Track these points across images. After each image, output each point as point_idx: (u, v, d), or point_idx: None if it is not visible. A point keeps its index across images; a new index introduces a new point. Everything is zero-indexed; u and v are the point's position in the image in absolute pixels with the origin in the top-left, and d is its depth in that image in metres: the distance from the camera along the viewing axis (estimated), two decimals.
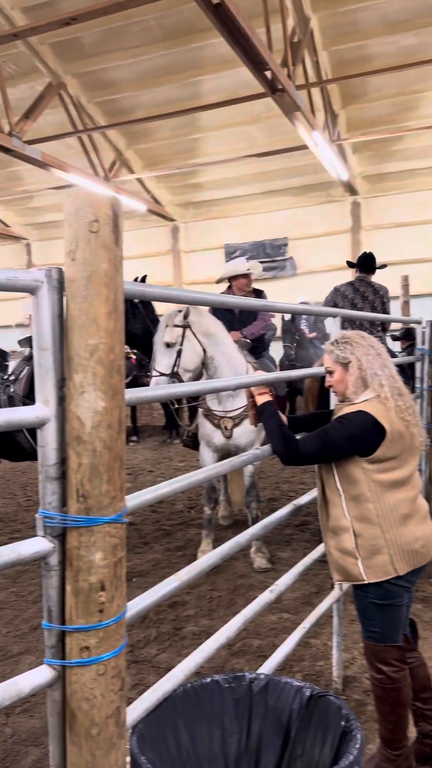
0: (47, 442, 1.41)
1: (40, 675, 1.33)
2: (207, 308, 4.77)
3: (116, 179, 11.61)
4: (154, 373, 4.19)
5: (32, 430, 4.20)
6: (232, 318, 5.11)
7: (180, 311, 4.28)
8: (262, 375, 2.68)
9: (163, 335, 4.22)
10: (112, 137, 11.41)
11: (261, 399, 2.37)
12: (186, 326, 4.24)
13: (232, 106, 8.97)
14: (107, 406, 1.38)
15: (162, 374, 4.15)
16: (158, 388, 2.16)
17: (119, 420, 1.42)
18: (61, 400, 1.42)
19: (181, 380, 4.19)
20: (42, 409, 1.40)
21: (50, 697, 1.36)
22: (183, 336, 4.22)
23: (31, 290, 1.38)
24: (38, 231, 15.28)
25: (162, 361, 4.20)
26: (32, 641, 3.56)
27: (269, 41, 7.03)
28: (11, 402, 4.35)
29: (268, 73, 7.16)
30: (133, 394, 1.64)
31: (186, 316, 4.25)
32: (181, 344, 4.21)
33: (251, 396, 2.42)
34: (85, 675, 1.31)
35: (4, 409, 1.38)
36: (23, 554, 1.32)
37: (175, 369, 4.18)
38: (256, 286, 5.40)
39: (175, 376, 4.18)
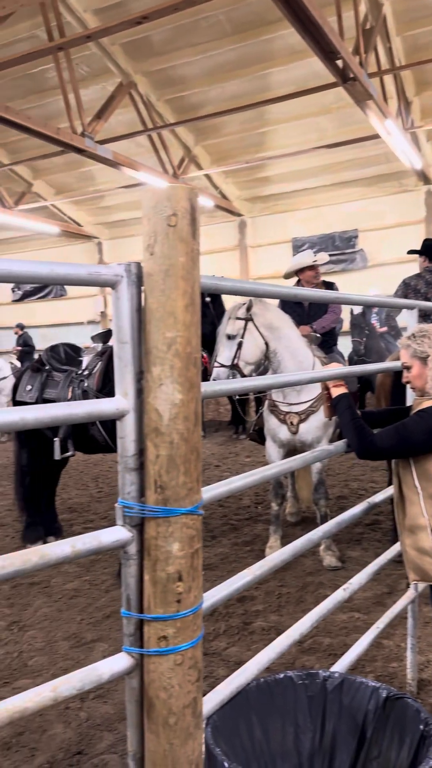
0: (126, 433, 1.43)
1: (118, 662, 1.36)
2: (275, 302, 4.73)
3: (185, 176, 11.71)
4: (215, 364, 4.21)
5: (105, 423, 4.31)
6: (301, 311, 5.05)
7: (244, 304, 4.27)
8: (335, 368, 2.63)
9: (226, 327, 4.24)
10: (180, 134, 11.51)
11: (336, 391, 2.33)
12: (248, 319, 4.23)
13: (301, 97, 8.85)
14: (184, 399, 1.39)
15: (222, 365, 4.17)
16: (234, 381, 2.17)
17: (196, 412, 1.43)
18: (140, 393, 1.44)
19: (241, 372, 4.18)
20: (121, 401, 1.42)
21: (128, 684, 1.39)
22: (245, 328, 4.22)
23: (112, 284, 1.40)
24: (109, 230, 15.62)
25: (223, 352, 4.21)
26: (105, 629, 3.65)
27: (341, 29, 6.89)
28: (85, 396, 4.46)
29: (339, 62, 7.01)
30: (209, 387, 1.65)
31: (249, 309, 4.24)
32: (242, 336, 4.21)
33: (326, 388, 2.39)
34: (163, 664, 1.32)
35: (86, 401, 1.42)
36: (104, 542, 1.35)
37: (236, 361, 4.18)
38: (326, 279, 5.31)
39: (235, 368, 4.18)
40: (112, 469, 8.79)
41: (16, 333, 13.81)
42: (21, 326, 13.91)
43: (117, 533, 1.39)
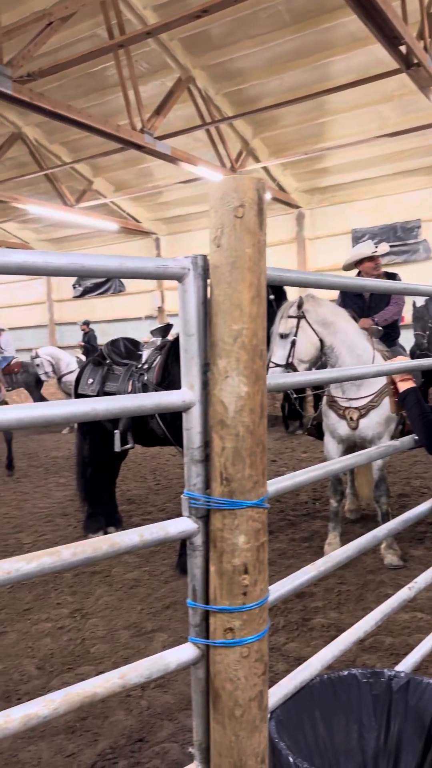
0: (192, 425, 1.44)
1: (185, 652, 1.37)
2: (330, 296, 4.66)
3: (242, 169, 11.67)
4: (270, 364, 4.18)
5: (163, 416, 4.35)
6: (362, 304, 4.95)
7: (295, 302, 4.23)
8: (401, 362, 2.57)
9: (278, 326, 4.21)
10: (238, 127, 11.47)
11: (404, 385, 2.27)
12: (300, 316, 4.19)
13: (363, 85, 8.65)
14: (250, 391, 1.38)
15: (277, 365, 4.14)
16: (299, 374, 2.14)
17: (262, 405, 1.42)
18: (205, 385, 1.44)
19: (296, 371, 4.14)
20: (187, 393, 1.43)
21: (194, 674, 1.40)
22: (297, 326, 4.18)
23: (179, 277, 1.41)
24: (166, 225, 15.75)
25: (277, 352, 4.18)
26: (165, 619, 3.70)
27: (404, 13, 6.69)
28: (145, 389, 4.52)
29: (402, 48, 6.82)
30: (275, 379, 1.64)
31: (300, 306, 4.20)
32: (295, 335, 4.17)
33: (392, 383, 2.33)
34: (229, 656, 1.32)
35: (153, 393, 1.43)
36: (171, 532, 1.36)
37: (290, 360, 4.15)
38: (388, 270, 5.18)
39: (290, 367, 4.14)
40: (169, 462, 8.90)
41: (82, 330, 14.16)
42: (87, 323, 14.25)
43: (183, 524, 1.40)
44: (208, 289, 1.44)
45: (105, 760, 2.46)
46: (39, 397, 12.60)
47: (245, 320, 1.37)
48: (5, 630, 3.65)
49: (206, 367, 1.45)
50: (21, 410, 1.17)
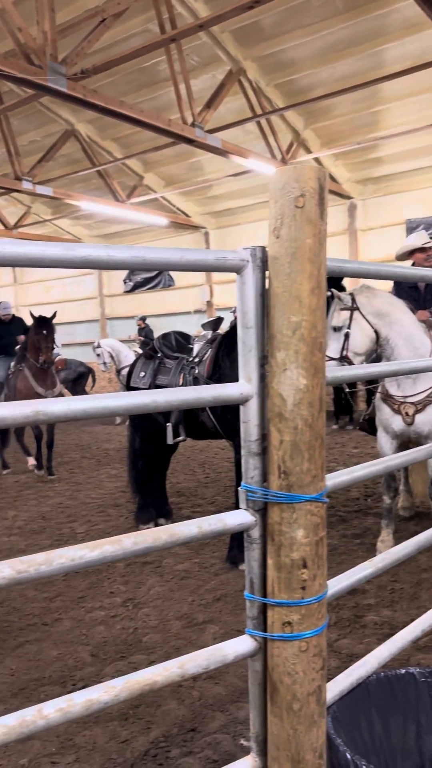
0: (249, 418, 1.43)
1: (242, 644, 1.37)
2: (385, 288, 4.56)
3: (293, 161, 11.55)
4: (324, 358, 4.11)
5: (214, 409, 4.36)
6: (417, 296, 4.83)
7: (349, 294, 4.15)
8: None
9: (331, 319, 4.14)
10: (290, 118, 11.35)
11: None
12: (354, 308, 4.11)
13: (418, 72, 8.42)
14: (309, 384, 1.37)
15: (331, 358, 4.07)
16: (357, 367, 2.11)
17: (320, 398, 1.40)
18: (263, 378, 1.44)
19: (351, 364, 4.07)
20: (245, 386, 1.42)
21: (251, 667, 1.40)
22: (351, 318, 4.10)
23: (237, 269, 1.40)
24: (215, 219, 15.76)
25: (331, 345, 4.11)
26: (215, 611, 3.72)
27: None
28: (196, 383, 4.54)
29: None
30: (334, 372, 1.61)
31: (354, 298, 4.12)
32: (349, 327, 4.09)
33: None
34: (287, 650, 1.32)
35: (212, 385, 1.43)
36: (229, 524, 1.36)
37: (345, 353, 4.08)
38: None
39: (344, 360, 4.08)
40: (217, 456, 8.93)
41: (138, 325, 14.36)
42: (143, 318, 14.45)
43: (241, 516, 1.40)
44: (267, 280, 1.44)
45: (158, 748, 2.50)
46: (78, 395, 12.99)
47: (304, 312, 1.36)
48: (60, 617, 3.74)
49: (264, 360, 1.44)
50: (87, 401, 1.19)
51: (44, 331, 7.52)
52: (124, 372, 12.35)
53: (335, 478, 1.65)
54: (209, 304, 16.02)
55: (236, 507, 4.11)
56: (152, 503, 5.44)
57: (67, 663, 3.19)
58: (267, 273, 1.43)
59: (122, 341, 14.37)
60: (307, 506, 1.35)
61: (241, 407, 1.45)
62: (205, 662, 1.31)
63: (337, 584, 1.62)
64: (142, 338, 13.96)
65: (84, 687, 2.92)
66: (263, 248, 1.44)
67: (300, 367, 1.36)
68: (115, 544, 1.23)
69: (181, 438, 4.68)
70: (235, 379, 1.49)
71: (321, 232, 1.37)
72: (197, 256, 1.36)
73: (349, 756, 1.41)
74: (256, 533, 1.40)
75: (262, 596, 1.38)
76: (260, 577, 1.39)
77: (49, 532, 5.45)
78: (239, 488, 1.44)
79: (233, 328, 4.28)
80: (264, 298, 1.43)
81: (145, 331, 14.21)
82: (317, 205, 1.35)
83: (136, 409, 1.30)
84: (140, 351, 13.12)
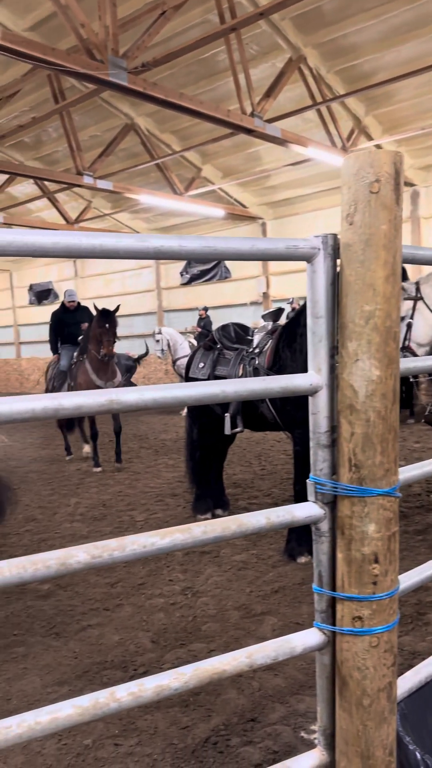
0: (319, 409, 1.41)
1: (311, 637, 1.36)
2: None
3: (354, 148, 11.31)
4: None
5: (274, 401, 4.34)
6: None
7: (413, 283, 4.04)
8: None
9: None
10: (351, 105, 11.11)
11: None
12: (418, 298, 4.00)
13: None
14: (382, 375, 1.33)
15: None
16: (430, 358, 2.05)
17: (394, 390, 1.36)
18: (332, 369, 1.41)
19: (414, 354, 3.97)
20: (315, 376, 1.40)
21: (319, 660, 1.39)
22: (414, 308, 3.99)
23: (308, 258, 1.38)
24: (273, 210, 15.63)
25: None
26: (274, 603, 3.71)
27: None
28: (256, 374, 4.53)
29: None
30: (407, 363, 1.57)
31: (418, 288, 4.01)
32: (412, 317, 3.99)
33: None
34: (357, 645, 1.30)
35: (280, 376, 1.42)
36: (297, 516, 1.35)
37: (407, 343, 3.98)
38: None
39: (407, 350, 3.98)
40: (273, 448, 8.90)
41: (200, 315, 14.46)
42: (206, 309, 14.55)
43: (309, 509, 1.38)
44: (339, 269, 1.41)
45: (218, 736, 2.52)
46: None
47: (378, 301, 1.32)
48: (121, 603, 3.82)
49: (334, 350, 1.41)
50: (158, 391, 1.20)
51: (106, 325, 7.65)
52: (180, 362, 12.52)
53: (406, 473, 1.61)
54: (266, 295, 15.93)
55: (294, 500, 4.08)
56: (209, 494, 5.47)
57: (128, 648, 3.25)
58: (338, 261, 1.40)
59: (181, 333, 14.54)
60: (379, 500, 1.32)
61: (310, 398, 1.42)
62: (273, 653, 1.30)
63: (408, 580, 1.58)
64: (199, 329, 14.06)
65: (145, 673, 2.97)
66: (334, 236, 1.41)
67: (373, 358, 1.32)
68: (185, 533, 1.23)
69: (238, 429, 4.68)
70: (296, 370, 1.47)
71: (396, 218, 1.34)
72: (267, 245, 1.35)
73: (419, 755, 1.38)
74: (325, 526, 1.38)
75: (331, 590, 1.36)
76: (329, 571, 1.37)
77: (109, 520, 5.57)
78: (307, 480, 1.42)
79: (293, 318, 4.23)
80: (335, 287, 1.40)
81: (204, 322, 14.28)
82: (393, 191, 1.31)
83: (205, 398, 1.30)
84: (195, 342, 13.28)
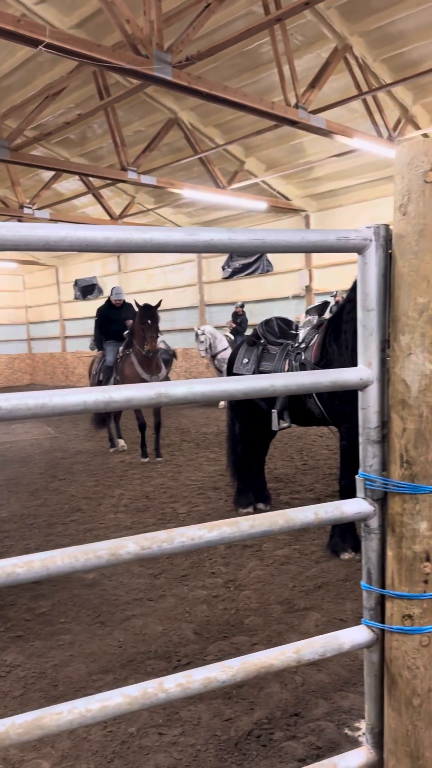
0: (369, 404, 1.39)
1: (359, 634, 1.34)
2: None
3: (401, 138, 11.06)
4: None
5: (321, 396, 4.30)
6: None
7: None
8: None
9: None
10: (398, 94, 10.86)
11: None
12: None
13: None
14: None
15: None
16: None
17: None
18: (383, 363, 1.39)
19: None
20: (365, 371, 1.38)
21: (367, 658, 1.37)
22: None
23: (359, 249, 1.36)
24: (316, 202, 15.44)
25: None
26: (317, 599, 3.69)
27: None
28: (302, 369, 4.49)
29: None
30: None
31: None
32: None
33: None
34: (407, 643, 1.28)
35: (330, 370, 1.40)
36: (346, 512, 1.33)
37: None
38: None
39: None
40: (315, 443, 8.83)
41: (237, 312, 14.48)
42: (242, 305, 14.58)
43: (359, 505, 1.37)
44: (391, 260, 1.38)
45: (261, 729, 2.52)
46: None
47: None
48: (164, 594, 3.86)
49: (385, 344, 1.39)
50: (207, 384, 1.20)
51: (149, 320, 7.71)
52: (219, 356, 12.66)
53: None
54: (308, 288, 15.78)
55: (340, 495, 4.00)
56: (251, 488, 5.46)
57: (171, 639, 3.29)
58: (391, 252, 1.37)
59: (217, 327, 14.59)
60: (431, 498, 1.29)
61: (360, 393, 1.40)
62: (321, 649, 1.29)
63: None
64: (234, 324, 14.09)
65: (188, 664, 3.00)
66: (386, 226, 1.38)
67: (427, 351, 1.29)
68: (233, 526, 1.23)
69: (286, 425, 4.65)
70: (344, 365, 1.46)
71: None
72: (318, 237, 1.33)
73: None
74: (374, 523, 1.36)
75: (381, 587, 1.34)
76: (378, 568, 1.35)
77: (152, 511, 5.63)
78: (357, 476, 1.41)
79: (338, 312, 4.17)
80: (387, 278, 1.37)
81: (241, 319, 14.27)
82: None
83: (254, 393, 1.30)
84: (231, 337, 13.43)
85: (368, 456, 1.39)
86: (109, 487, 6.79)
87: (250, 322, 14.25)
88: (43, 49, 6.18)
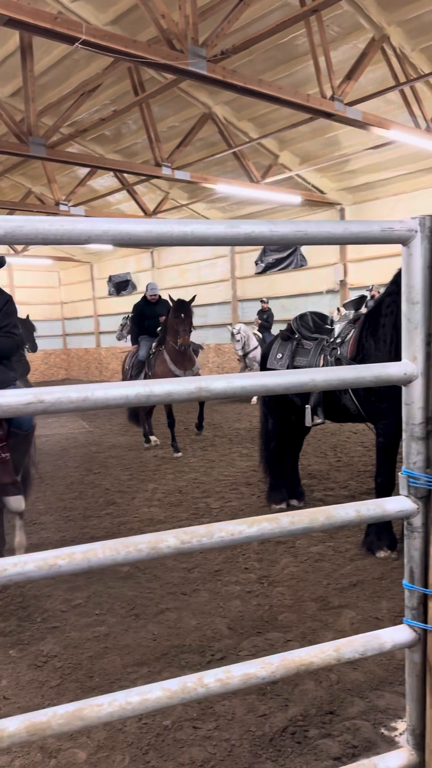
0: (413, 399, 1.36)
1: (400, 634, 1.32)
2: None
3: None
4: None
5: (357, 392, 4.24)
6: None
7: None
8: None
9: None
10: None
11: None
12: None
13: None
14: None
15: None
16: None
17: None
18: (429, 357, 1.35)
19: None
20: (409, 365, 1.35)
21: (409, 658, 1.35)
22: None
23: (404, 241, 1.32)
24: (351, 195, 15.24)
25: None
26: (352, 597, 3.65)
27: None
28: (338, 364, 4.44)
29: None
30: None
31: None
32: None
33: None
34: None
35: (372, 365, 1.37)
36: (388, 510, 1.31)
37: None
38: None
39: None
40: (350, 440, 8.73)
41: (263, 307, 14.46)
42: (266, 300, 14.59)
43: (401, 503, 1.34)
44: None
45: (296, 726, 2.51)
46: None
47: None
48: (198, 588, 3.87)
49: (430, 338, 1.35)
50: (246, 379, 1.19)
51: (182, 315, 7.74)
52: (251, 354, 12.75)
53: None
54: (343, 283, 15.60)
55: (376, 493, 3.94)
56: (284, 484, 5.43)
57: (205, 633, 3.29)
58: None
59: (247, 323, 14.62)
60: None
61: (404, 388, 1.37)
62: (361, 648, 1.28)
63: None
64: (260, 321, 14.10)
65: (222, 659, 3.00)
66: None
67: None
68: (273, 522, 1.22)
69: (320, 421, 4.61)
70: (380, 360, 1.43)
71: None
72: (361, 228, 1.30)
73: None
74: (417, 521, 1.33)
75: (424, 587, 1.31)
76: (421, 567, 1.32)
77: (185, 506, 5.65)
78: (400, 474, 1.38)
79: (375, 306, 4.10)
80: None
81: (266, 314, 14.26)
82: None
83: (293, 387, 1.28)
84: (260, 335, 13.53)
85: (412, 453, 1.36)
86: (142, 481, 6.84)
87: (284, 317, 14.20)
88: (80, 46, 6.23)
